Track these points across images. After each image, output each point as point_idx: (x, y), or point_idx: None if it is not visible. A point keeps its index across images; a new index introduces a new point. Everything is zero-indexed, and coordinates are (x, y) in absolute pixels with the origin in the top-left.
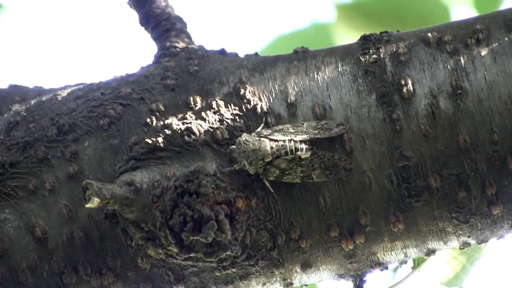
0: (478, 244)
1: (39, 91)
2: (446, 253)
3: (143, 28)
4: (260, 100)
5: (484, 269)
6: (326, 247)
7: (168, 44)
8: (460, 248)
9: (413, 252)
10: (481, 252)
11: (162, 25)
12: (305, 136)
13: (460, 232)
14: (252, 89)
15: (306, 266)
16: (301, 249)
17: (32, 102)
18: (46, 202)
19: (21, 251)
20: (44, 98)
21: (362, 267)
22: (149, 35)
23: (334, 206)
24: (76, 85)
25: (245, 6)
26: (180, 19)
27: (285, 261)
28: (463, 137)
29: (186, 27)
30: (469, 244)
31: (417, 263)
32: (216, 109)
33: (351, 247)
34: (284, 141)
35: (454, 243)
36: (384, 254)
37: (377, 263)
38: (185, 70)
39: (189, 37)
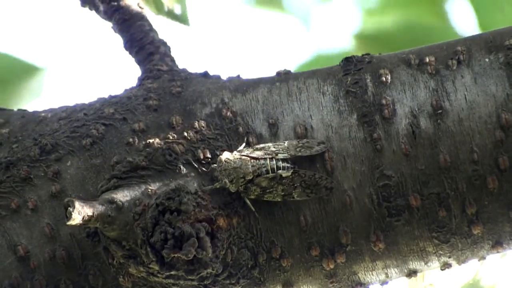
0: (459, 265)
1: (23, 114)
2: None
3: (127, 52)
4: (242, 120)
5: None
6: (307, 266)
7: (151, 67)
8: (441, 269)
9: (394, 273)
10: None
11: (146, 49)
12: (286, 155)
13: (441, 252)
14: (234, 110)
15: (287, 285)
16: (282, 268)
17: (16, 124)
18: (28, 221)
19: (3, 270)
20: (27, 120)
21: (343, 287)
22: (133, 59)
23: (315, 225)
24: (60, 107)
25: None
26: (164, 43)
27: (266, 280)
28: (444, 156)
29: (170, 51)
30: (450, 265)
31: None
32: (198, 129)
33: (332, 266)
34: (265, 159)
35: (435, 263)
36: (365, 274)
37: (358, 283)
38: (167, 91)
39: (173, 60)
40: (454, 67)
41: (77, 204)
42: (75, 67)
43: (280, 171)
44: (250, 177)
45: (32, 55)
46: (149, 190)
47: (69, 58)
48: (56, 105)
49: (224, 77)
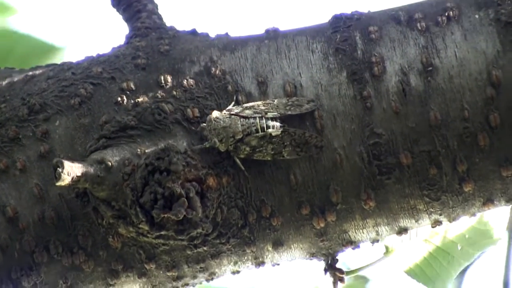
0: (450, 222)
1: (10, 72)
2: (427, 250)
3: (115, 9)
4: (231, 78)
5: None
6: (298, 225)
7: (139, 25)
8: (432, 227)
9: (384, 230)
10: (470, 260)
11: (133, 6)
12: (275, 113)
13: (432, 210)
14: (223, 68)
15: (277, 244)
16: (273, 227)
17: (3, 83)
18: (17, 182)
19: None
20: (15, 79)
21: (334, 245)
22: (121, 17)
23: (305, 183)
24: (47, 66)
25: None
26: (151, 1)
27: (256, 239)
28: (434, 114)
29: (157, 8)
30: (441, 223)
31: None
32: (187, 87)
33: (322, 225)
34: (254, 118)
35: (426, 221)
36: (355, 232)
37: (349, 241)
38: (156, 50)
39: (160, 18)
40: (444, 24)
41: (66, 164)
42: (94, 44)
43: (270, 130)
44: (240, 136)
45: (51, 34)
46: (138, 150)
47: (87, 35)
48: None
49: (212, 35)
